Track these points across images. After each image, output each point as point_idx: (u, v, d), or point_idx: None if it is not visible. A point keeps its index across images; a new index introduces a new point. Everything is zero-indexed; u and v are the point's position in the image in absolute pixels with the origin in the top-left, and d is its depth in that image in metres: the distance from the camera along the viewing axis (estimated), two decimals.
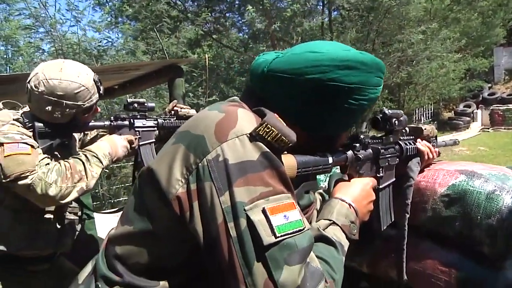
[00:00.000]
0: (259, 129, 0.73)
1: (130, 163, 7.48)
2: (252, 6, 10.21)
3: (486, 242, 1.10)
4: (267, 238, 0.67)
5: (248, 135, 0.73)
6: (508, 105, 17.98)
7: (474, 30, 16.07)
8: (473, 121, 18.40)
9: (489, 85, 21.32)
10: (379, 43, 10.66)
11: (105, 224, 4.01)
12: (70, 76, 1.60)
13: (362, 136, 1.04)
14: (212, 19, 11.10)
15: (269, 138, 0.73)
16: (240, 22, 13.37)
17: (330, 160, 0.91)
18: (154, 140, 2.03)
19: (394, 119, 1.12)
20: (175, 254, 0.78)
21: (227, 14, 13.13)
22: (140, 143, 1.97)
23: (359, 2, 10.00)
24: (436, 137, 1.44)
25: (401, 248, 1.17)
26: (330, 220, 0.88)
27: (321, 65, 0.84)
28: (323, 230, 0.85)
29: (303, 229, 0.72)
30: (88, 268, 0.91)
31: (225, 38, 12.92)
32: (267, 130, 0.73)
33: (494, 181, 1.15)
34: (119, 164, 7.28)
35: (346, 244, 0.87)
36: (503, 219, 1.08)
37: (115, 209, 2.36)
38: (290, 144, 0.76)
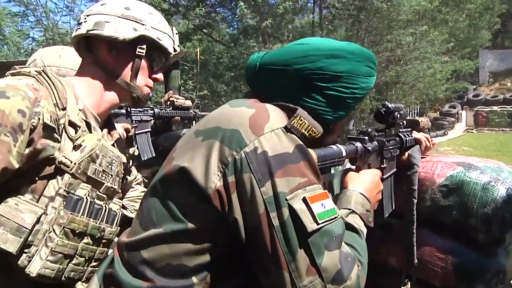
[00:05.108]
0: (294, 121, 0.78)
1: None
2: (244, 2, 10.18)
3: (481, 230, 1.15)
4: (310, 225, 0.71)
5: (283, 129, 0.77)
6: (492, 106, 18.36)
7: (461, 32, 16.31)
8: (457, 122, 18.72)
9: (474, 86, 21.70)
10: (368, 42, 10.73)
11: None
12: (69, 63, 1.59)
13: (369, 130, 1.08)
14: (203, 13, 11.02)
15: (302, 130, 0.78)
16: (231, 17, 13.34)
17: (344, 153, 0.95)
18: (150, 129, 2.04)
19: (396, 113, 1.17)
20: (212, 249, 0.78)
21: (217, 9, 13.08)
22: (136, 132, 1.97)
23: (350, 2, 10.06)
24: (429, 129, 1.50)
25: (411, 233, 1.22)
26: (349, 209, 0.92)
27: (308, 55, 0.89)
28: (345, 218, 0.89)
29: (337, 216, 0.77)
30: (94, 283, 0.89)
31: (216, 32, 12.86)
32: (301, 122, 0.78)
33: (490, 172, 1.20)
34: None
35: (365, 231, 0.91)
36: (498, 208, 1.13)
37: None
38: (319, 135, 0.81)
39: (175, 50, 1.15)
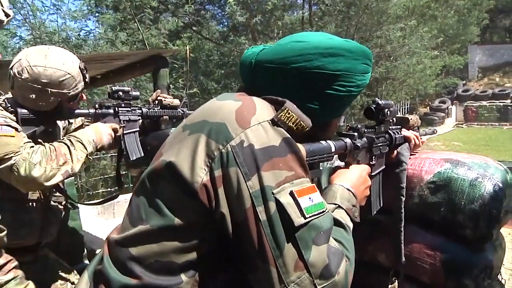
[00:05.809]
0: (281, 114, 0.76)
1: (109, 155, 7.37)
2: None
3: (469, 226, 1.16)
4: (297, 219, 0.70)
5: (270, 121, 0.76)
6: (481, 101, 18.56)
7: (450, 28, 16.45)
8: (447, 117, 18.91)
9: (464, 82, 21.92)
10: (358, 38, 10.77)
11: (88, 215, 3.95)
12: (55, 63, 1.56)
13: (359, 126, 1.07)
14: (192, 11, 10.97)
15: (290, 123, 0.77)
16: (220, 14, 13.31)
17: (333, 148, 0.94)
18: (138, 129, 2.02)
19: (386, 110, 1.17)
20: (200, 245, 0.76)
21: (206, 6, 13.05)
22: (125, 132, 1.95)
23: None
24: (418, 127, 1.51)
25: (398, 231, 1.22)
26: (335, 204, 0.90)
27: (306, 54, 0.86)
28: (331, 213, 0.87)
29: (325, 210, 0.76)
30: (84, 281, 0.86)
31: (205, 30, 12.82)
32: (288, 116, 0.77)
33: (477, 169, 1.20)
34: (98, 156, 7.16)
35: (351, 226, 0.90)
36: (485, 204, 1.14)
37: (98, 201, 2.33)
38: (307, 129, 0.79)
39: (7, 16, 0.95)
